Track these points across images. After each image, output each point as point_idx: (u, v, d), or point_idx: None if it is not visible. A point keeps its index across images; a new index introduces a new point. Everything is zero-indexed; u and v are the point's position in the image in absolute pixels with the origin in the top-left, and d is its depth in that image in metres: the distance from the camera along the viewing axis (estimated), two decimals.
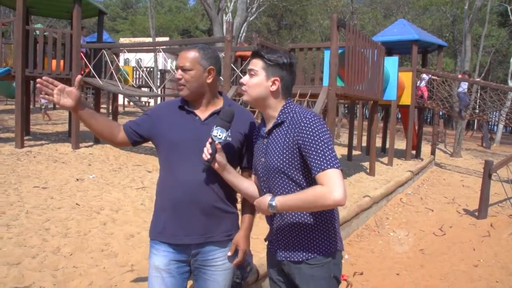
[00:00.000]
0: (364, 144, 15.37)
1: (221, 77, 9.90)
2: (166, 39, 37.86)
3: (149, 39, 30.91)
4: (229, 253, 2.07)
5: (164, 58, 25.78)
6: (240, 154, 2.12)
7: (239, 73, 11.82)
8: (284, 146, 1.84)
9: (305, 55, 11.90)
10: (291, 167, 1.84)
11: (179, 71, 2.01)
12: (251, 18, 27.20)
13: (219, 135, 1.84)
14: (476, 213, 7.50)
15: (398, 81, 11.23)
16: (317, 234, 1.90)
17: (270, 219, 2.03)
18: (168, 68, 17.58)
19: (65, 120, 14.93)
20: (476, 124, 31.51)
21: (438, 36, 26.70)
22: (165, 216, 2.04)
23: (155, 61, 27.13)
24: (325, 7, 31.95)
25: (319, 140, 1.75)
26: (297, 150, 1.81)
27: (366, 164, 10.35)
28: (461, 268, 5.25)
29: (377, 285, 4.68)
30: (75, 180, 7.04)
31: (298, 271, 1.92)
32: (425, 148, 15.59)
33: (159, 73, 24.85)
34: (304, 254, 1.90)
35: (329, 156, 1.72)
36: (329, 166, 1.70)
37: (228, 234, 2.09)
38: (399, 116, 16.91)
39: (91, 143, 10.93)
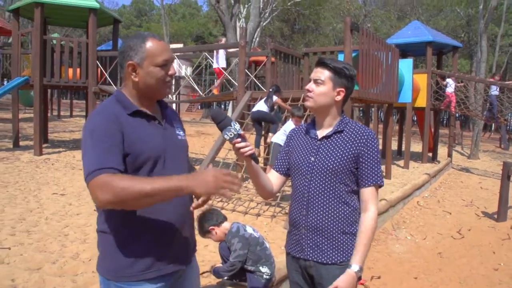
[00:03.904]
0: (380, 147, 15.28)
1: (235, 82, 9.95)
2: (180, 45, 38.15)
3: None
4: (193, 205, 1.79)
5: (179, 64, 25.96)
6: None
7: (253, 78, 11.86)
8: (344, 152, 1.97)
9: None
10: (343, 170, 1.96)
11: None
12: (264, 23, 27.28)
13: (231, 134, 1.78)
14: (495, 216, 7.39)
15: (413, 83, 11.15)
16: (349, 236, 1.99)
17: (299, 218, 2.04)
18: (183, 74, 17.68)
19: (82, 128, 15.13)
20: (494, 125, 31.05)
21: (453, 37, 26.44)
22: (161, 243, 1.68)
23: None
24: (338, 10, 31.91)
25: (377, 156, 1.99)
26: (355, 158, 1.97)
27: (382, 167, 10.29)
28: (481, 271, 5.17)
29: None
30: None
31: (326, 271, 1.98)
32: (442, 150, 15.43)
33: (173, 79, 25.04)
34: (338, 256, 1.98)
35: (379, 174, 2.00)
36: (378, 182, 1.99)
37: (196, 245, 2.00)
38: (415, 118, 16.73)
39: None
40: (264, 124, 8.04)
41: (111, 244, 1.65)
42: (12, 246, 4.22)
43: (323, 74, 1.98)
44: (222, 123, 1.78)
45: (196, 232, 2.31)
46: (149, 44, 1.67)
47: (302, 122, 6.44)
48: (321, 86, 1.98)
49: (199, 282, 2.01)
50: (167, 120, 1.82)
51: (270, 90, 7.69)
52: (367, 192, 1.98)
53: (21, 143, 10.88)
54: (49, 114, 16.30)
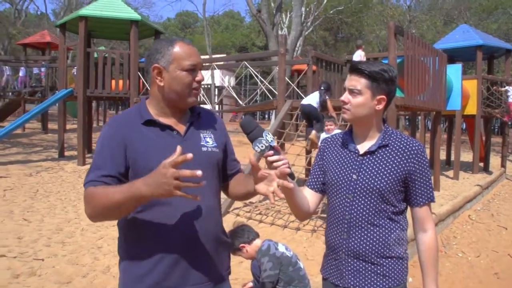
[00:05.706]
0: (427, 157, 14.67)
1: (275, 91, 9.79)
2: (223, 56, 38.57)
3: (206, 57, 31.64)
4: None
5: (221, 74, 26.18)
6: (225, 161, 1.78)
7: (295, 87, 11.68)
8: (392, 170, 1.75)
9: None
10: (391, 190, 1.75)
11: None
12: (306, 32, 27.12)
13: (262, 146, 1.52)
14: None
15: (462, 89, 10.62)
16: (395, 260, 1.79)
17: (339, 241, 1.80)
18: (225, 84, 17.90)
19: None
20: None
21: (505, 40, 25.23)
22: (166, 263, 1.54)
23: (212, 77, 27.69)
24: (381, 17, 31.28)
25: (428, 172, 1.79)
26: (404, 176, 1.76)
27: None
28: None
29: None
30: None
31: None
32: (494, 160, 14.61)
33: (216, 89, 25.30)
34: (384, 282, 1.77)
35: (431, 189, 1.81)
36: (432, 199, 1.81)
37: (229, 268, 1.77)
38: (464, 126, 16.00)
39: None
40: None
41: (121, 263, 1.64)
42: (46, 258, 4.22)
43: (359, 82, 1.72)
44: (252, 134, 1.54)
45: None
46: (177, 47, 1.56)
47: (336, 131, 6.14)
48: (358, 97, 1.73)
49: None
50: (194, 128, 1.65)
51: (321, 88, 7.40)
52: (423, 211, 1.80)
53: (66, 153, 11.13)
54: (94, 125, 16.75)
